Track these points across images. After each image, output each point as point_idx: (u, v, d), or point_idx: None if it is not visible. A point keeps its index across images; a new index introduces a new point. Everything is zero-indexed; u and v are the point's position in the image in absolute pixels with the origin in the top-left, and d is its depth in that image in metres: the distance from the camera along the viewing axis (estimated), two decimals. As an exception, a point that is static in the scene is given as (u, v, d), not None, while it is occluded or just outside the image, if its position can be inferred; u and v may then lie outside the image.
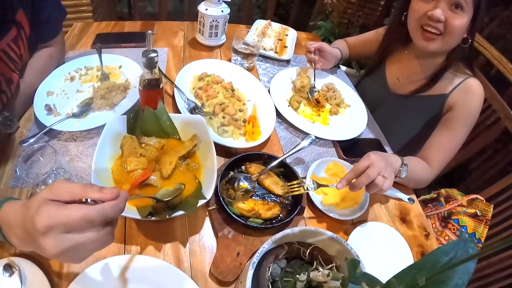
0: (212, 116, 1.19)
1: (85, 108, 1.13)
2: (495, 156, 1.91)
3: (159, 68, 1.02)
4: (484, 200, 1.31)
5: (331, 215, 1.01)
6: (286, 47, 1.73)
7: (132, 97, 1.18)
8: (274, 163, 1.03)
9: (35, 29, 1.11)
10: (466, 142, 1.29)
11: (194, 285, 0.79)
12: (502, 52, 1.74)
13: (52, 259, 0.79)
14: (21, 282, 0.74)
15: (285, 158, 1.06)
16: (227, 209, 0.91)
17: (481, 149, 1.71)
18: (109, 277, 0.78)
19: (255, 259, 0.68)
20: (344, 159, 1.18)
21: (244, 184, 1.00)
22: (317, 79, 1.48)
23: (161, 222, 0.91)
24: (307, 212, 1.03)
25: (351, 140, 1.27)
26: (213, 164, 0.93)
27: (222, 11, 1.51)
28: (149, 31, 1.00)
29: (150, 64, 0.96)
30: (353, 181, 0.95)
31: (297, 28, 1.92)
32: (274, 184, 1.04)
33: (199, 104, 1.24)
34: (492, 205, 1.31)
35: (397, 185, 1.17)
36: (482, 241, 1.29)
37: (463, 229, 1.27)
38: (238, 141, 1.16)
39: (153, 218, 0.81)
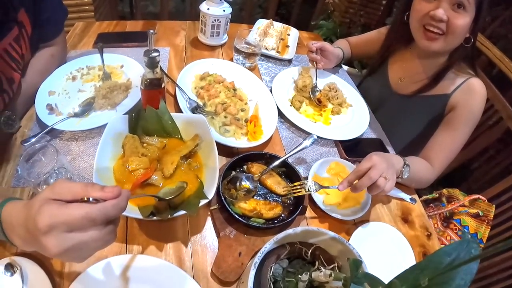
0: (214, 116, 1.19)
1: (87, 107, 1.13)
2: (497, 156, 1.91)
3: (160, 67, 1.01)
4: (486, 200, 1.30)
5: (333, 215, 1.00)
6: (288, 46, 1.73)
7: (134, 96, 1.18)
8: (276, 163, 1.03)
9: (37, 28, 1.11)
10: (468, 142, 1.29)
11: (196, 285, 0.79)
12: (504, 51, 1.73)
13: (54, 259, 0.79)
14: (23, 282, 0.74)
15: (287, 158, 1.06)
16: (229, 209, 0.91)
17: (483, 149, 1.71)
18: (110, 276, 0.78)
19: (257, 259, 0.67)
20: (346, 159, 1.18)
21: (246, 184, 1.00)
22: (319, 78, 1.48)
23: (163, 222, 0.91)
24: (309, 212, 1.03)
25: (353, 140, 1.27)
26: (215, 163, 0.93)
27: (224, 10, 1.50)
28: (151, 31, 1.00)
29: (152, 63, 0.96)
30: (354, 182, 0.95)
31: (298, 27, 1.91)
32: (276, 184, 1.04)
33: (201, 103, 1.24)
34: (494, 205, 1.31)
35: (399, 185, 1.16)
36: (484, 241, 1.29)
37: (465, 229, 1.27)
38: (240, 141, 1.16)
39: (154, 217, 0.81)
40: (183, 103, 1.20)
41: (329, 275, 0.64)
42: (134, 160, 0.92)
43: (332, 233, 0.71)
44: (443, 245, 1.18)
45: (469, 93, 1.23)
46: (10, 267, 0.75)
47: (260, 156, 1.08)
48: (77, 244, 0.52)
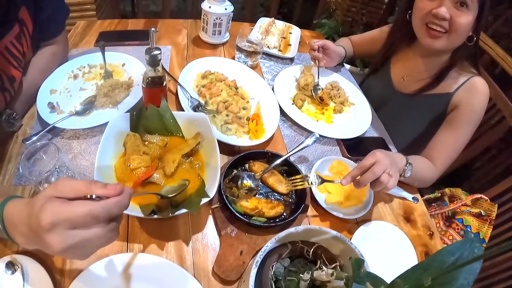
0: (216, 114, 1.19)
1: (88, 106, 1.13)
2: (499, 155, 1.90)
3: (162, 66, 1.01)
4: (489, 200, 1.30)
5: (334, 213, 1.00)
6: (290, 45, 1.72)
7: (135, 95, 1.18)
8: (278, 161, 1.03)
9: (38, 27, 1.12)
10: (470, 141, 1.28)
11: (197, 283, 0.79)
12: (507, 50, 1.73)
13: (55, 257, 0.79)
14: (24, 280, 0.74)
15: (289, 156, 1.06)
16: (231, 207, 0.91)
17: (485, 149, 1.70)
18: (111, 275, 0.77)
19: (258, 257, 0.67)
20: (348, 158, 1.18)
21: (248, 182, 1.00)
22: (321, 77, 1.48)
23: (164, 220, 0.91)
24: (311, 211, 1.03)
25: (355, 139, 1.27)
26: (217, 162, 0.93)
27: (225, 9, 1.50)
28: (153, 29, 0.99)
29: (153, 61, 0.96)
30: (358, 178, 0.94)
31: (301, 26, 1.91)
32: (278, 182, 1.03)
33: (202, 102, 1.24)
34: (497, 205, 1.30)
35: (401, 184, 1.16)
36: (486, 241, 1.28)
37: (467, 229, 1.26)
38: (241, 139, 1.16)
39: (156, 216, 0.81)
40: (184, 102, 1.20)
41: (331, 274, 0.63)
42: (135, 159, 0.92)
43: (334, 232, 0.71)
44: (445, 245, 1.17)
45: (472, 91, 1.23)
46: (11, 265, 0.74)
47: (262, 154, 1.08)
48: (80, 241, 0.51)
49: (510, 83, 1.65)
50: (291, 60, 1.66)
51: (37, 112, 1.08)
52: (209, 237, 0.92)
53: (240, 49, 1.47)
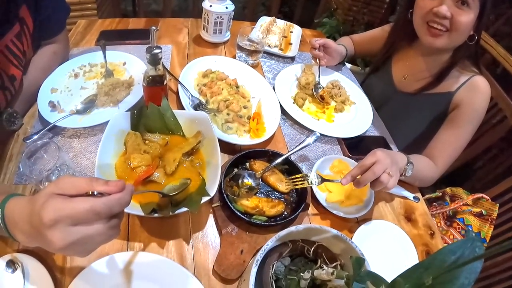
0: (217, 113, 1.19)
1: (89, 104, 1.13)
2: (500, 155, 1.90)
3: (163, 64, 1.01)
4: (490, 199, 1.29)
5: (335, 212, 1.00)
6: (291, 44, 1.72)
7: (136, 93, 1.18)
8: (279, 160, 1.03)
9: (39, 25, 1.11)
10: (471, 141, 1.28)
11: (197, 282, 0.79)
12: (508, 50, 1.73)
13: (56, 255, 0.80)
14: (24, 278, 0.74)
15: (289, 155, 1.05)
16: (231, 206, 0.91)
17: (486, 148, 1.70)
18: (112, 273, 0.77)
19: (259, 256, 0.67)
20: (349, 157, 1.18)
21: (248, 181, 1.00)
22: (322, 76, 1.47)
23: (165, 219, 0.91)
24: (311, 210, 1.03)
25: (356, 138, 1.27)
26: (217, 161, 0.93)
27: (226, 7, 1.50)
28: (153, 27, 1.00)
29: (154, 60, 0.96)
30: (358, 177, 0.94)
31: (301, 25, 1.90)
32: (279, 181, 1.03)
33: (203, 100, 1.24)
34: (498, 205, 1.30)
35: (402, 183, 1.16)
36: (487, 240, 1.28)
37: (469, 228, 1.26)
38: (242, 138, 1.16)
39: (156, 215, 0.81)
40: (185, 100, 1.20)
41: (331, 273, 0.63)
42: (136, 157, 0.92)
43: (334, 231, 0.71)
44: (446, 244, 1.17)
45: (473, 91, 1.23)
46: (11, 264, 0.74)
47: (263, 153, 1.08)
48: (82, 237, 0.52)
49: (511, 83, 1.65)
50: (292, 59, 1.66)
51: (38, 111, 1.08)
52: (209, 235, 0.91)
53: (241, 48, 1.47)
